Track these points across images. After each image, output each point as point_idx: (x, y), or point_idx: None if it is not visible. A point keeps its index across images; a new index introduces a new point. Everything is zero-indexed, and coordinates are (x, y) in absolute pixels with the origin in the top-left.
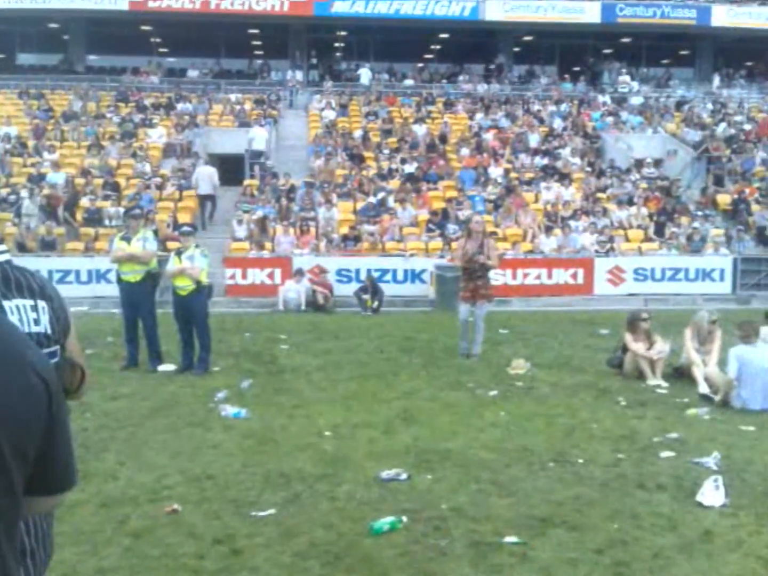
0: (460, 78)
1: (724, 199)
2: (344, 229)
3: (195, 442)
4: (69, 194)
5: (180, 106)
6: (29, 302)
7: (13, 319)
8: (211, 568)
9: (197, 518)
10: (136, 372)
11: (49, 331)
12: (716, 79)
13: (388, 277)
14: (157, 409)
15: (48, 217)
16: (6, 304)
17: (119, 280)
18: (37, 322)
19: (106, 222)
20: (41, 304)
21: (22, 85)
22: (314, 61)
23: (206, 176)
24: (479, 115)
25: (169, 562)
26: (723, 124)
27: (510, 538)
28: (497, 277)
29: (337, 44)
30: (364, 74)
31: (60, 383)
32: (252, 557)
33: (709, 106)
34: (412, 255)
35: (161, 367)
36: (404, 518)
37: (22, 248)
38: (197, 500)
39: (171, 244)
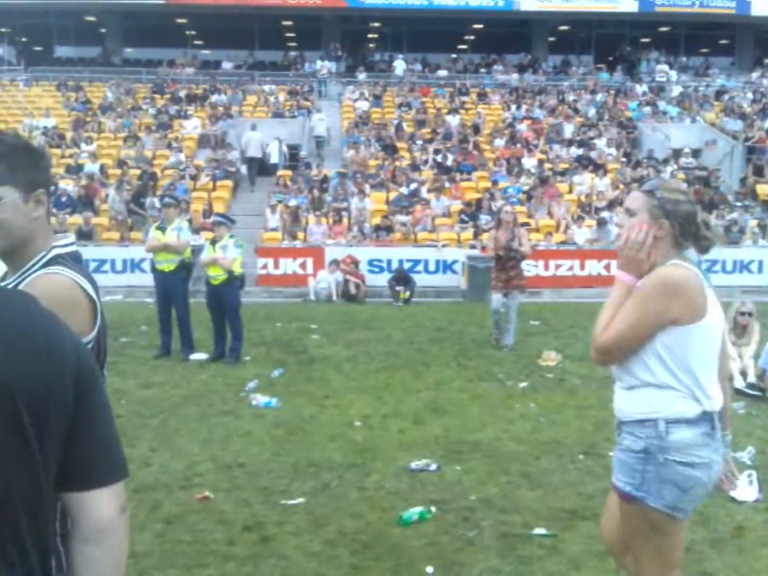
0: (495, 69)
1: (763, 189)
2: (376, 220)
3: (226, 431)
4: (139, 185)
5: (214, 97)
6: None
7: None
8: (240, 554)
9: (228, 505)
10: (168, 361)
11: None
12: (757, 69)
13: (420, 267)
14: (189, 397)
15: (85, 207)
16: None
17: (153, 269)
18: None
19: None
20: None
21: (60, 77)
22: (347, 52)
23: (256, 140)
24: (513, 106)
25: (199, 548)
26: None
27: (539, 530)
28: (529, 268)
29: (370, 35)
30: (398, 65)
31: (96, 371)
32: (281, 545)
33: (749, 95)
34: (444, 246)
35: (193, 356)
36: (433, 509)
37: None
38: (228, 488)
39: (205, 234)
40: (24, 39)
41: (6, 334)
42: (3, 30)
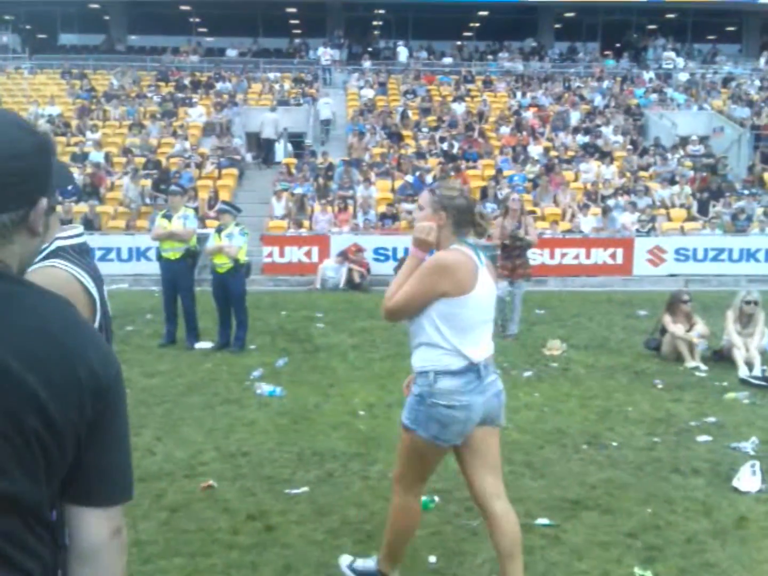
0: (500, 56)
1: None
2: (382, 208)
3: (230, 420)
4: (159, 172)
5: (219, 85)
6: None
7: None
8: (244, 543)
9: (232, 494)
10: (173, 349)
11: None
12: (764, 56)
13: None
14: (194, 386)
15: (90, 195)
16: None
17: (159, 258)
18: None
19: (148, 200)
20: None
21: (64, 65)
22: (351, 39)
23: (271, 122)
24: (519, 94)
25: (203, 537)
26: None
27: (542, 520)
28: (534, 256)
29: (375, 23)
30: (402, 52)
31: (119, 391)
32: (285, 534)
33: (757, 82)
34: None
35: (198, 345)
36: (436, 498)
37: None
38: (232, 477)
39: (209, 222)
40: (28, 27)
41: (40, 333)
42: (7, 18)
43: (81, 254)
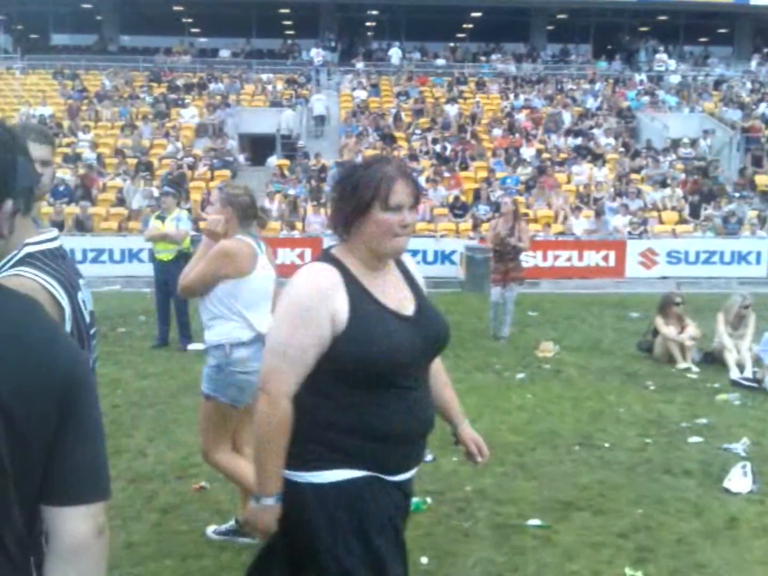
0: (493, 57)
1: (762, 180)
2: None
3: None
4: (176, 175)
5: (212, 86)
6: (83, 281)
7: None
8: (236, 545)
9: (224, 495)
10: (166, 351)
11: (91, 308)
12: (755, 58)
13: (418, 257)
14: (187, 387)
15: (82, 196)
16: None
17: (153, 259)
18: (90, 301)
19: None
20: (82, 282)
21: (56, 65)
22: (344, 40)
23: (291, 118)
24: (511, 96)
25: (195, 538)
26: (763, 104)
27: (534, 521)
28: (527, 259)
29: (368, 23)
30: (395, 54)
31: (89, 387)
32: None
33: (748, 85)
34: (442, 236)
35: (191, 346)
36: (429, 499)
37: (57, 228)
38: (224, 478)
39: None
40: (20, 27)
41: (2, 333)
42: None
43: (54, 260)
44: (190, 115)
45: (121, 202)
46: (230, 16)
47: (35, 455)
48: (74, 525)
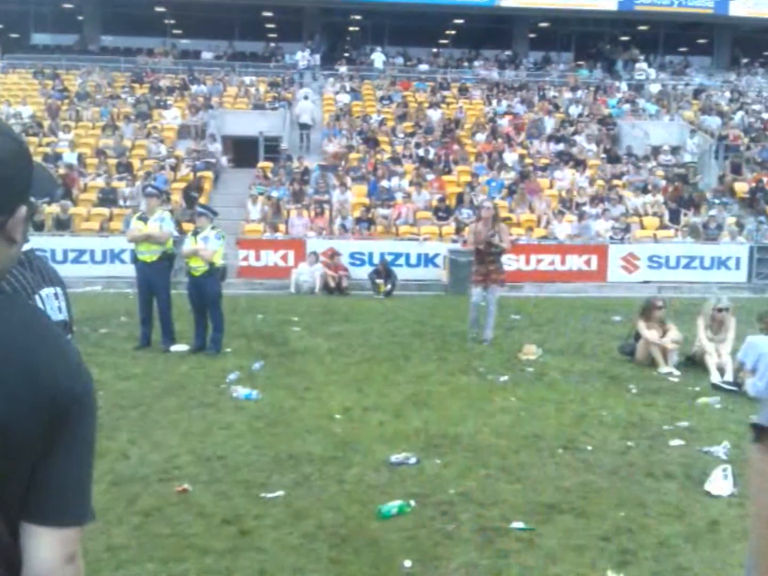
0: (476, 64)
1: (741, 187)
2: (357, 213)
3: (206, 423)
4: (192, 181)
5: (194, 87)
6: (52, 290)
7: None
8: (219, 547)
9: (207, 498)
10: (149, 352)
11: (67, 319)
12: (734, 68)
13: (402, 261)
14: (169, 389)
15: (63, 196)
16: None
17: (135, 260)
18: (60, 309)
19: (121, 202)
20: (59, 291)
21: (36, 64)
22: (327, 44)
23: (307, 109)
24: (494, 101)
25: (178, 541)
26: (741, 113)
27: (517, 524)
28: (510, 262)
29: (351, 28)
30: (378, 58)
31: (84, 405)
32: (260, 538)
33: (727, 94)
34: (425, 239)
35: (174, 348)
36: (412, 502)
37: (37, 228)
38: (207, 480)
39: (185, 225)
40: (0, 26)
41: (1, 343)
42: None
43: (21, 265)
44: (172, 117)
45: (102, 202)
46: (213, 19)
47: (22, 471)
48: (43, 548)
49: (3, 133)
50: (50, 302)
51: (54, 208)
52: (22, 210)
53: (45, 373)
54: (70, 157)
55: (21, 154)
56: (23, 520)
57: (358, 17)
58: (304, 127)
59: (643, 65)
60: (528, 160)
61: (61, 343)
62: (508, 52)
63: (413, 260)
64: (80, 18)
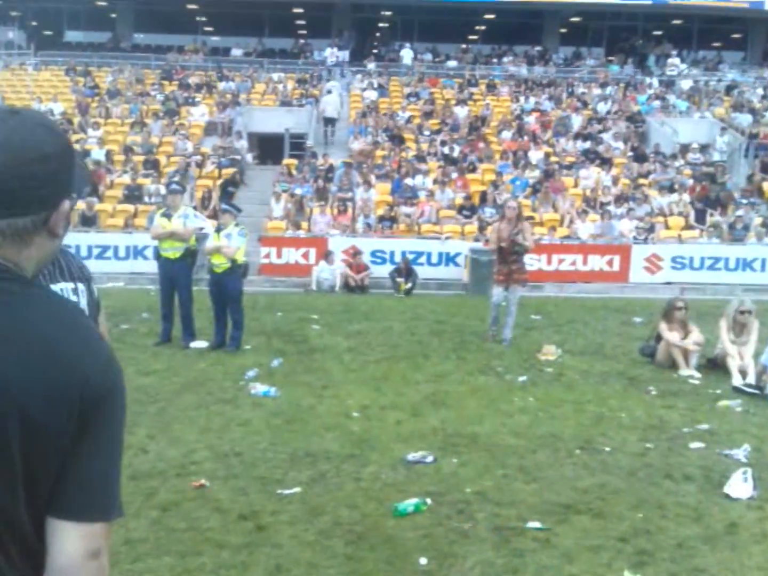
0: (505, 60)
1: None
2: (381, 210)
3: (224, 419)
4: (230, 176)
5: (222, 84)
6: (70, 285)
7: None
8: (235, 542)
9: (224, 494)
10: (169, 348)
11: (86, 314)
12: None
13: (423, 259)
14: (188, 385)
15: (90, 193)
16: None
17: (158, 257)
18: (78, 305)
19: (146, 199)
20: (80, 286)
21: (69, 62)
22: (355, 41)
23: (333, 103)
24: (522, 98)
25: (194, 536)
26: None
27: (533, 524)
28: (532, 262)
29: (380, 24)
30: (406, 54)
31: (113, 401)
32: (276, 534)
33: (760, 91)
34: (447, 238)
35: (194, 344)
36: (428, 501)
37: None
38: (224, 476)
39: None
40: (34, 23)
41: (33, 338)
42: (14, 14)
43: None
44: (200, 114)
45: (127, 198)
46: (243, 16)
47: (51, 466)
48: (67, 543)
49: (49, 129)
50: (66, 296)
51: (80, 205)
52: (66, 204)
53: (75, 367)
54: (98, 153)
55: (66, 149)
56: (48, 514)
57: (388, 13)
58: (329, 121)
59: (676, 60)
60: (553, 159)
61: (92, 338)
62: (538, 48)
63: (434, 259)
64: (113, 16)
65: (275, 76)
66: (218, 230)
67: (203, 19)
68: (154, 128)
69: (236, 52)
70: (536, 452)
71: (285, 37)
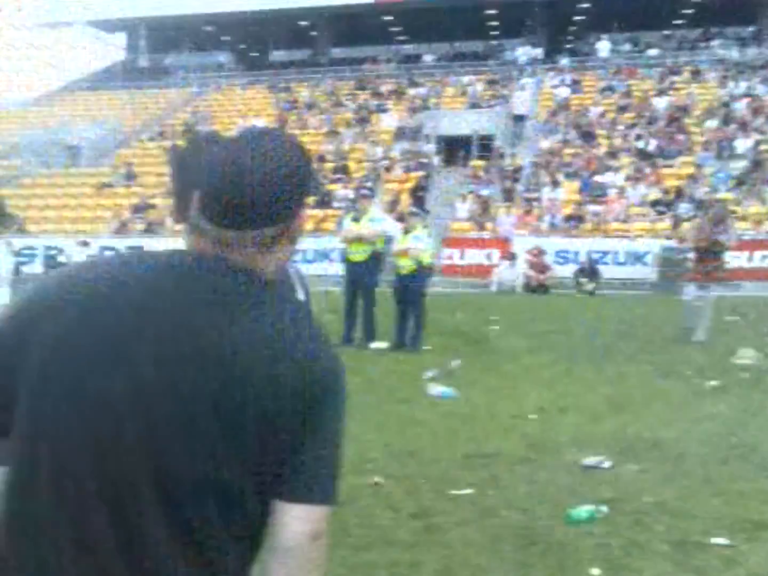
0: (713, 43)
1: None
2: (568, 210)
3: (401, 419)
4: (418, 180)
5: (413, 90)
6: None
7: None
8: (405, 540)
9: (397, 492)
10: (350, 348)
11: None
12: None
13: (608, 259)
14: (367, 384)
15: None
16: None
17: (345, 260)
18: None
19: (335, 204)
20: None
21: (272, 80)
22: (548, 37)
23: (524, 100)
24: (731, 83)
25: (367, 531)
26: None
27: (718, 540)
28: (731, 259)
29: (576, 18)
30: (603, 47)
31: (333, 393)
32: (445, 534)
33: None
34: (638, 236)
35: (374, 345)
36: (604, 508)
37: None
38: (398, 475)
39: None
40: (242, 46)
41: (265, 338)
42: (224, 39)
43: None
44: (390, 120)
45: (317, 204)
46: (435, 22)
47: (279, 451)
48: (292, 524)
49: (294, 145)
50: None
51: None
52: (305, 212)
53: (308, 363)
54: None
55: (308, 162)
56: (275, 497)
57: (585, 5)
58: (519, 119)
59: None
60: (763, 147)
61: (320, 337)
62: (750, 29)
63: (621, 258)
64: (313, 34)
65: (465, 78)
66: (406, 232)
67: (397, 29)
68: (347, 136)
69: (427, 58)
70: (726, 463)
71: (476, 39)
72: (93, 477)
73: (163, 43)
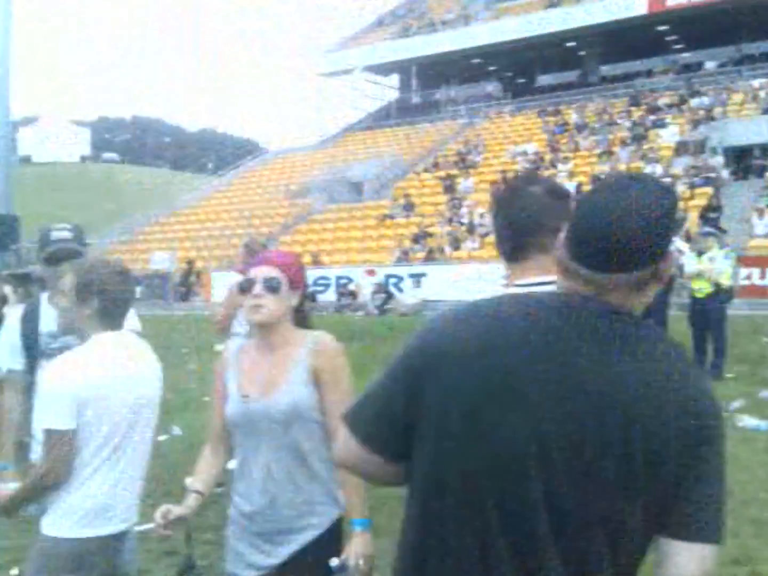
0: None
1: None
2: None
3: None
4: (708, 201)
5: (694, 101)
6: None
7: None
8: None
9: None
10: None
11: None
12: None
13: None
14: None
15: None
16: None
17: (690, 295)
18: None
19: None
20: None
21: (541, 104)
22: None
23: None
24: None
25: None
26: None
27: None
28: None
29: None
30: None
31: (721, 428)
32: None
33: None
34: None
35: None
36: None
37: None
38: None
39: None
40: (509, 74)
41: (648, 375)
42: (491, 68)
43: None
44: (669, 134)
45: None
46: (717, 25)
47: (664, 486)
48: (683, 563)
49: (662, 188)
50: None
51: None
52: (673, 253)
53: (690, 401)
54: (568, 186)
55: (675, 203)
56: (663, 534)
57: None
58: None
59: None
60: None
61: (699, 375)
62: None
63: None
64: (581, 54)
65: (755, 82)
66: (700, 254)
67: (673, 37)
68: (622, 155)
69: (709, 65)
70: None
71: (766, 39)
72: (495, 509)
73: (433, 79)
